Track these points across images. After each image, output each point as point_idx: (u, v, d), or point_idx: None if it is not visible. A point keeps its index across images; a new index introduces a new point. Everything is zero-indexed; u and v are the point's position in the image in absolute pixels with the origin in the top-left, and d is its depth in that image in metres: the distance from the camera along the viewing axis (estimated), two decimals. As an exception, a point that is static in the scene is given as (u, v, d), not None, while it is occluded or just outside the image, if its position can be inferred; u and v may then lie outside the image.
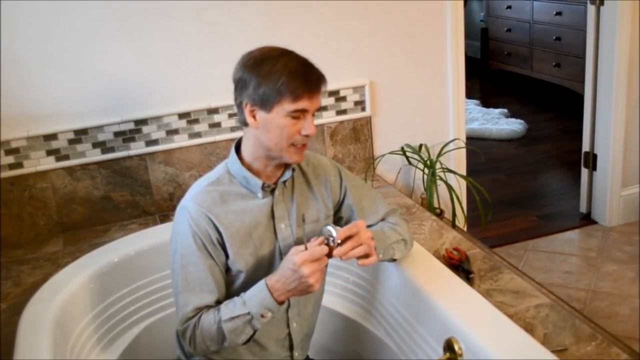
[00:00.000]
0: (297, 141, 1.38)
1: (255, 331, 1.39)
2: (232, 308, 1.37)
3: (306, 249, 1.33)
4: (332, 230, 1.37)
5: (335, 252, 1.36)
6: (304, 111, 1.35)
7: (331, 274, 1.88)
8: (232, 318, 1.36)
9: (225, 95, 1.45)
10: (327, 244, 1.36)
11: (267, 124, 1.37)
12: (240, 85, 1.38)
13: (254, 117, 1.38)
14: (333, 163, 1.63)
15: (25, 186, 2.27)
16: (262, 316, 1.36)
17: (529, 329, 1.52)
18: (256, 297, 1.36)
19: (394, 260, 1.65)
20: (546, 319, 1.57)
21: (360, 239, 1.39)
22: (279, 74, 1.32)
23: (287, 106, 1.34)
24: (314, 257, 1.31)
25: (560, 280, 2.84)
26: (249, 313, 1.36)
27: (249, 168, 1.45)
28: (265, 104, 1.35)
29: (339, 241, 1.36)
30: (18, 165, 2.25)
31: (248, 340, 1.41)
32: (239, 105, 1.40)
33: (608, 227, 3.26)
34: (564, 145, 4.45)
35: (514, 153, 4.50)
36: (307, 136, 1.38)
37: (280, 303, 1.36)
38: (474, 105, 5.33)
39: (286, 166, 1.48)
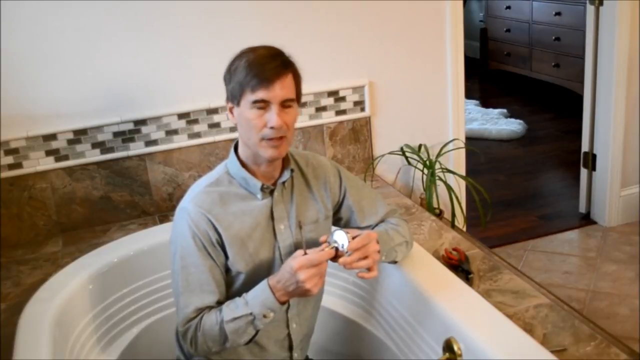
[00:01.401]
0: (266, 134, 1.37)
1: (257, 331, 1.39)
2: (234, 309, 1.37)
3: (305, 254, 1.33)
4: (345, 238, 1.37)
5: (341, 260, 1.37)
6: (265, 102, 1.35)
7: (331, 275, 1.88)
8: (235, 319, 1.36)
9: (224, 96, 1.46)
10: (336, 248, 1.36)
11: (239, 119, 1.40)
12: (225, 84, 1.43)
13: (232, 113, 1.43)
14: (332, 163, 1.63)
15: (24, 186, 2.27)
16: (265, 316, 1.36)
17: (529, 329, 1.52)
18: (258, 298, 1.36)
19: (395, 262, 1.65)
20: (545, 319, 1.57)
21: (367, 251, 1.39)
22: (242, 68, 1.35)
23: (249, 97, 1.35)
24: (312, 263, 1.31)
25: (560, 280, 2.84)
26: (251, 313, 1.36)
27: (246, 168, 1.45)
28: (235, 98, 1.39)
29: (349, 252, 1.36)
30: (17, 165, 2.25)
31: (250, 341, 1.41)
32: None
33: (607, 227, 3.27)
34: (564, 145, 4.45)
35: (513, 153, 4.50)
36: (273, 128, 1.35)
37: (282, 303, 1.36)
38: (473, 105, 5.34)
39: (284, 167, 1.48)
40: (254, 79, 1.34)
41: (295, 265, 1.31)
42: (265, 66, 1.34)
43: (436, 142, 2.79)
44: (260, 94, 1.34)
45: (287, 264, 1.34)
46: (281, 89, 1.35)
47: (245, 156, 1.45)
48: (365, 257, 1.39)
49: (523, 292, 1.70)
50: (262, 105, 1.35)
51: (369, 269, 1.41)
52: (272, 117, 1.35)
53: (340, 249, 1.36)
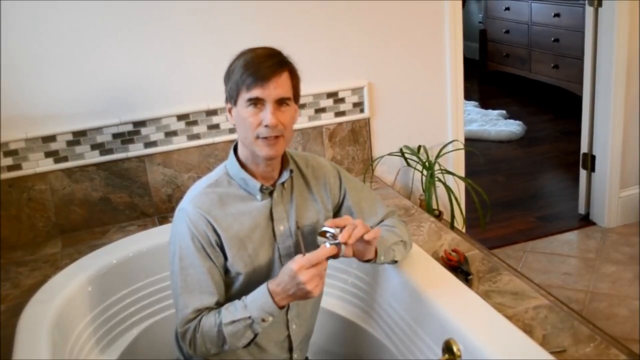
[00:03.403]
0: (261, 133, 1.38)
1: (256, 335, 1.39)
2: (233, 311, 1.37)
3: (304, 255, 1.33)
4: (327, 228, 1.37)
5: (341, 237, 1.35)
6: (259, 100, 1.36)
7: (330, 276, 1.88)
8: (233, 322, 1.36)
9: (223, 97, 1.46)
10: (333, 243, 1.36)
11: (237, 118, 1.41)
12: (224, 85, 1.44)
13: (231, 113, 1.44)
14: (332, 165, 1.63)
15: (23, 188, 2.27)
16: (263, 320, 1.36)
17: (528, 330, 1.52)
18: (257, 301, 1.36)
19: (395, 262, 1.65)
20: (545, 320, 1.57)
21: (353, 222, 1.38)
22: (239, 67, 1.37)
23: (244, 95, 1.37)
24: (311, 263, 1.30)
25: (559, 281, 2.84)
26: (249, 317, 1.35)
27: (245, 169, 1.45)
28: (232, 98, 1.41)
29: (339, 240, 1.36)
30: (16, 167, 2.25)
31: (249, 344, 1.41)
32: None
33: (607, 228, 3.27)
34: (563, 146, 4.45)
35: (512, 154, 4.50)
36: (268, 127, 1.36)
37: (282, 307, 1.36)
38: (472, 106, 5.34)
39: (283, 168, 1.48)
40: (249, 77, 1.35)
41: (295, 268, 1.30)
42: (261, 65, 1.36)
43: (435, 143, 2.79)
44: (255, 92, 1.35)
45: (286, 267, 1.34)
46: (275, 87, 1.36)
47: (245, 156, 1.45)
48: (357, 226, 1.37)
49: (522, 293, 1.70)
50: (257, 103, 1.36)
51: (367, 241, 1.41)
52: (267, 115, 1.36)
53: (334, 234, 1.35)
